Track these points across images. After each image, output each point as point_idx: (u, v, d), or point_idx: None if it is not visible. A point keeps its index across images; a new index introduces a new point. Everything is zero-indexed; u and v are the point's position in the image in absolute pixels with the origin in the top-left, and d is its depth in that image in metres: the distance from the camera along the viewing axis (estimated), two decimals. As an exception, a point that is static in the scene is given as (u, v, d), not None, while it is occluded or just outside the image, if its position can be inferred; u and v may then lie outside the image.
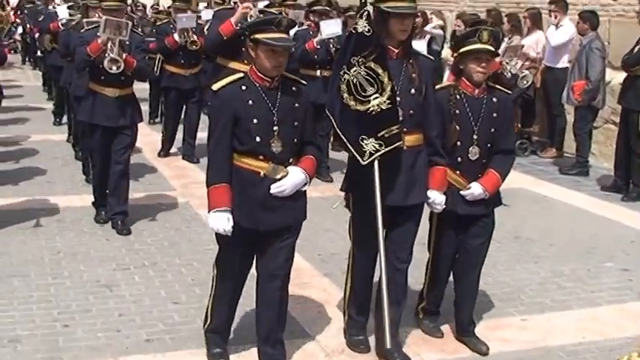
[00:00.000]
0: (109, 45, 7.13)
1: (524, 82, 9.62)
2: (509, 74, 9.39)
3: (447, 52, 11.38)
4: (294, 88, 4.59)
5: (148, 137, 11.56)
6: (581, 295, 6.32)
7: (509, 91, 5.54)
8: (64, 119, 12.35)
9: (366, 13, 4.65)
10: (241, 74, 4.56)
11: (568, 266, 6.93)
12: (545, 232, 7.90)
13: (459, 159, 5.06)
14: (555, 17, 11.22)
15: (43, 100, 15.68)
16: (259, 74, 4.47)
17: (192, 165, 10.57)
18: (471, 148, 5.03)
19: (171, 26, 10.95)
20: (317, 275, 6.48)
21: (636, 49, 9.28)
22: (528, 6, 12.31)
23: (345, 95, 4.65)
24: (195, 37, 10.61)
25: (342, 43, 9.38)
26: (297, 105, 4.57)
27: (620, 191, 9.50)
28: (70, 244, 7.12)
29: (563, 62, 11.30)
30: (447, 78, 9.73)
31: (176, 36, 10.57)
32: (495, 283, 6.32)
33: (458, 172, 5.07)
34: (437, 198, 4.89)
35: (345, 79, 4.65)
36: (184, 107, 11.12)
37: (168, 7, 17.86)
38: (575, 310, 6.00)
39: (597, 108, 10.45)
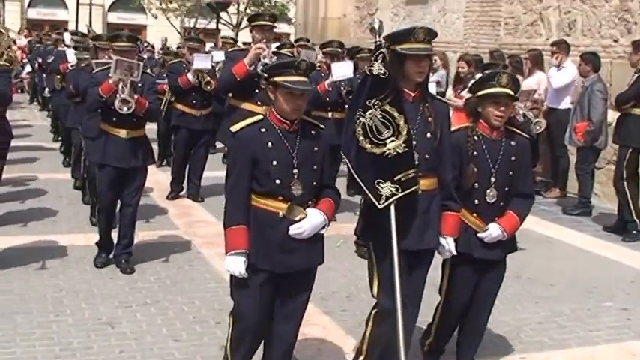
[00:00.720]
0: (120, 86, 7.12)
1: (537, 127, 9.57)
2: (522, 118, 9.40)
3: (450, 93, 11.45)
4: (313, 132, 4.56)
5: (155, 176, 11.59)
6: (580, 333, 6.34)
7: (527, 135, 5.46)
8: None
9: (381, 55, 4.61)
10: (260, 116, 4.53)
11: (568, 306, 6.96)
12: (547, 272, 7.93)
13: (476, 201, 5.01)
14: (557, 59, 11.34)
15: (50, 140, 15.80)
16: (278, 117, 4.44)
17: (197, 204, 10.62)
18: (488, 191, 4.99)
19: (184, 65, 10.98)
20: (317, 313, 6.48)
21: (628, 87, 9.44)
22: (530, 47, 12.45)
23: (361, 138, 4.60)
24: (208, 77, 10.61)
25: (355, 85, 9.54)
26: (316, 149, 4.52)
27: (621, 232, 9.59)
28: (72, 281, 7.15)
29: (566, 103, 11.40)
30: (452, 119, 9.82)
31: (190, 75, 10.55)
32: (495, 322, 6.31)
33: (475, 214, 5.03)
34: (448, 245, 4.85)
35: (360, 122, 4.60)
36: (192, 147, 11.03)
37: (177, 48, 18.06)
38: (574, 349, 6.02)
39: (599, 149, 10.53)
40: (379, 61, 4.58)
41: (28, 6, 46.19)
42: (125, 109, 7.12)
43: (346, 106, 10.14)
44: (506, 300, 6.91)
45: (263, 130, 4.43)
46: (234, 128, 4.48)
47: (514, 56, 12.07)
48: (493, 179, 4.98)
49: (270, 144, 4.39)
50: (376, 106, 4.56)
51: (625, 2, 11.57)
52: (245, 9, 36.08)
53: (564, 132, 10.79)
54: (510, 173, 5.01)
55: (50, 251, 8.00)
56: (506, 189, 5.02)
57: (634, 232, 9.44)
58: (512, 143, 5.04)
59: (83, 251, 8.05)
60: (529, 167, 5.23)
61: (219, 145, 13.19)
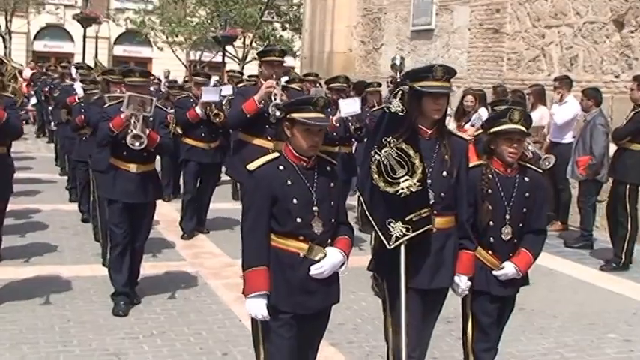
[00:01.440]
0: (132, 121, 7.03)
1: (547, 163, 9.58)
2: (530, 154, 9.40)
3: (452, 127, 11.54)
4: (328, 168, 4.50)
5: (161, 209, 11.51)
6: (584, 365, 6.39)
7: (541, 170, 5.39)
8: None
9: (400, 92, 4.57)
10: (276, 154, 4.47)
11: (572, 337, 7.01)
12: (550, 303, 7.98)
13: (492, 239, 4.96)
14: (559, 94, 11.43)
15: (53, 171, 15.90)
16: (295, 154, 4.38)
17: (203, 236, 10.66)
18: (503, 228, 4.94)
19: (192, 100, 10.92)
20: (324, 345, 6.33)
21: (625, 123, 9.59)
22: (532, 82, 12.58)
23: (375, 176, 4.57)
24: (217, 110, 10.53)
25: (363, 120, 9.55)
26: (332, 185, 4.47)
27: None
28: (79, 312, 7.18)
29: (568, 138, 11.48)
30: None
31: (198, 109, 10.44)
32: (501, 354, 6.24)
33: (490, 252, 4.98)
34: (462, 283, 4.80)
35: (375, 160, 4.57)
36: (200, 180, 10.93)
37: (184, 81, 18.19)
38: (578, 380, 6.07)
39: (601, 182, 10.60)
40: (398, 99, 4.56)
41: (34, 38, 46.58)
42: (137, 144, 7.01)
43: (353, 140, 10.25)
44: (510, 331, 6.91)
45: (281, 167, 4.36)
46: (251, 166, 4.39)
47: (517, 91, 12.18)
48: (507, 216, 4.94)
49: (289, 182, 4.33)
50: (392, 144, 4.53)
51: (626, 39, 11.74)
52: (250, 43, 36.35)
53: (566, 166, 10.88)
54: (524, 210, 4.97)
55: (56, 282, 8.05)
56: (521, 225, 4.99)
57: (614, 264, 9.62)
58: (526, 179, 5.01)
59: (89, 282, 8.10)
60: (543, 203, 5.15)
61: (223, 177, 13.25)
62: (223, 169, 11.66)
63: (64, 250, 9.57)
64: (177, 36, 36.65)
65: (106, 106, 7.81)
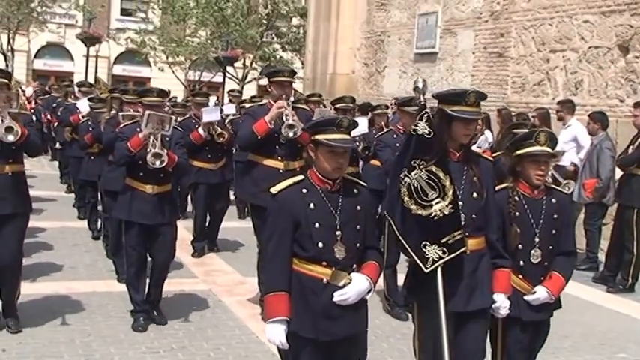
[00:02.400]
0: (150, 140, 7.05)
1: (567, 188, 9.61)
2: (550, 179, 9.46)
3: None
4: (355, 190, 4.41)
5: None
6: (597, 384, 6.48)
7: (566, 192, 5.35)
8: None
9: (426, 115, 4.54)
10: (301, 177, 4.38)
11: (583, 357, 7.15)
12: (560, 324, 8.00)
13: (521, 262, 4.91)
14: (561, 118, 11.57)
15: (57, 189, 15.97)
16: (320, 176, 4.30)
17: (213, 254, 10.76)
18: (532, 251, 4.90)
19: (194, 121, 10.86)
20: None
21: (630, 149, 9.81)
22: (537, 106, 12.72)
23: (406, 199, 4.53)
24: (219, 129, 10.52)
25: (370, 140, 9.61)
26: (359, 208, 4.36)
27: (606, 282, 9.97)
28: (98, 327, 7.27)
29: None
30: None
31: (201, 130, 10.37)
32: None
33: (521, 275, 4.92)
34: (502, 302, 4.74)
35: (405, 183, 4.54)
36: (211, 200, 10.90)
37: (186, 101, 18.28)
38: (591, 399, 6.16)
39: (607, 205, 10.75)
40: (424, 121, 4.54)
41: (35, 57, 46.78)
42: (157, 163, 7.03)
43: (360, 160, 10.32)
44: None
45: (304, 190, 4.29)
46: (274, 190, 4.33)
47: (521, 114, 12.31)
48: (537, 239, 4.91)
49: (312, 205, 4.24)
50: (421, 167, 4.51)
51: (630, 64, 11.92)
52: (251, 63, 36.58)
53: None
54: (553, 232, 4.94)
55: (73, 298, 8.14)
56: (550, 247, 4.95)
57: (620, 286, 9.81)
58: (553, 201, 4.98)
59: (106, 298, 8.20)
60: (570, 224, 5.14)
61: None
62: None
63: (77, 266, 9.66)
64: (177, 56, 36.80)
65: (121, 126, 7.82)
